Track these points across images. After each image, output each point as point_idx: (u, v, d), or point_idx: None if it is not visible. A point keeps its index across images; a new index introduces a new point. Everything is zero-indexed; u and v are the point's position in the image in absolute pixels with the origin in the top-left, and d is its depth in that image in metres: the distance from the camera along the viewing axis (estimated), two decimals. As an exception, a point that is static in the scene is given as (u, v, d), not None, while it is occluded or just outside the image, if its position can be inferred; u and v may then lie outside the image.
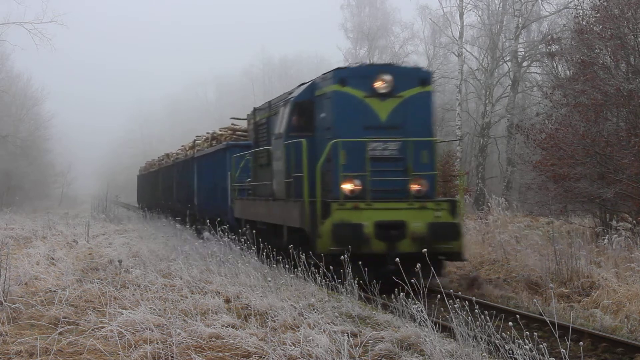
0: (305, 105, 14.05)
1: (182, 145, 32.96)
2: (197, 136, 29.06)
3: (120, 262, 12.38)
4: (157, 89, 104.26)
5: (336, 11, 64.58)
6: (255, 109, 17.93)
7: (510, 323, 6.51)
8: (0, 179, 47.94)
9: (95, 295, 9.95)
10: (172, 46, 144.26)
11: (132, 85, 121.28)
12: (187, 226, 25.09)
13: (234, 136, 22.50)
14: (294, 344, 7.10)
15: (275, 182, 14.96)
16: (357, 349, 6.95)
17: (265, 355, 6.92)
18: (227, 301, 9.85)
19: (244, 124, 22.52)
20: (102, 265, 13.38)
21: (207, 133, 27.03)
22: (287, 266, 11.83)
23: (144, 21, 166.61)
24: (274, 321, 8.47)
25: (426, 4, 43.20)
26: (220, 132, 24.00)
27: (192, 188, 26.77)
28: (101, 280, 11.09)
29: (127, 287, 10.59)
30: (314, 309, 9.08)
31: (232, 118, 25.20)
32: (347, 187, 12.81)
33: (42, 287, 10.68)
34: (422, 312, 7.20)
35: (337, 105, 13.20)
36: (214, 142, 24.07)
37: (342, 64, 43.47)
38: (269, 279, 10.37)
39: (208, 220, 22.14)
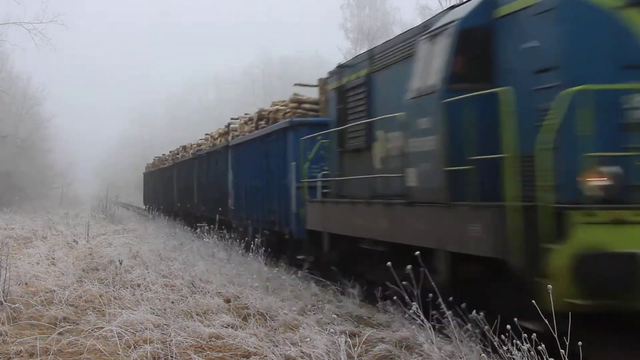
0: (478, 35, 8.11)
1: (207, 134, 26.90)
2: (232, 119, 22.83)
3: (120, 262, 12.38)
4: (157, 89, 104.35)
5: (336, 11, 64.60)
6: (340, 66, 12.13)
7: (508, 326, 6.48)
8: (0, 179, 47.97)
9: (95, 296, 9.97)
10: (172, 46, 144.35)
11: (132, 86, 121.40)
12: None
13: (299, 111, 15.87)
14: (293, 344, 7.11)
15: (415, 173, 8.61)
16: (356, 349, 6.96)
17: (265, 356, 6.94)
18: (227, 301, 9.87)
19: (310, 93, 16.91)
20: (102, 265, 13.40)
21: (246, 114, 21.04)
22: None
23: (143, 22, 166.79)
24: (274, 321, 8.49)
25: (426, 4, 43.26)
26: (272, 108, 17.40)
27: (225, 187, 20.88)
28: (101, 280, 11.12)
29: (127, 287, 10.61)
30: (313, 310, 9.11)
31: (296, 84, 18.96)
32: (596, 179, 6.77)
33: (42, 287, 10.70)
34: (420, 315, 7.18)
35: (568, 24, 7.14)
36: (263, 122, 17.88)
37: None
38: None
39: (245, 230, 17.69)
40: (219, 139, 23.64)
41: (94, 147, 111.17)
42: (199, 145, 27.44)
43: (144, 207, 46.99)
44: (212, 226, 16.81)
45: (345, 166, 11.60)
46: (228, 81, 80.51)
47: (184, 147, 31.28)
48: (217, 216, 18.97)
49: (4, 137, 45.61)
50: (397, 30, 47.65)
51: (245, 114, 21.48)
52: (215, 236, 15.73)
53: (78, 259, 14.61)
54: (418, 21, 52.30)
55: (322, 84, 14.53)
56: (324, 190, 12.64)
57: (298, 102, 16.33)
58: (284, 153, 15.10)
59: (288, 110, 16.28)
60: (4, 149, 47.83)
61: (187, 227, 22.35)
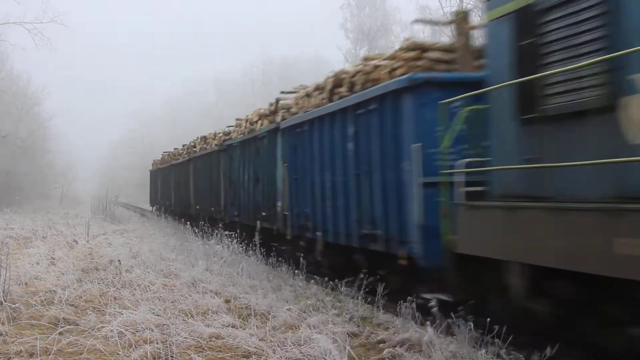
0: None
1: (238, 119, 21.18)
2: (282, 92, 17.06)
3: (120, 262, 12.37)
4: (157, 89, 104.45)
5: (336, 11, 64.66)
6: None
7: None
8: (0, 179, 47.97)
9: (95, 295, 9.96)
10: (172, 46, 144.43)
11: (132, 86, 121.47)
12: None
13: (419, 64, 9.95)
14: (294, 344, 7.09)
15: None
16: (358, 349, 6.95)
17: (265, 355, 6.92)
18: (227, 301, 9.86)
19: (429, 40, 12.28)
20: (102, 265, 13.38)
21: (300, 86, 15.93)
22: None
23: (144, 21, 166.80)
24: (274, 321, 8.47)
25: (426, 4, 43.21)
26: (362, 67, 11.59)
27: (272, 185, 15.68)
28: (101, 280, 11.10)
29: (127, 287, 10.60)
30: (314, 309, 9.09)
31: (415, 21, 13.38)
32: None
33: (42, 287, 10.67)
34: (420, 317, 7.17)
35: None
36: (343, 90, 12.17)
37: (342, 64, 43.58)
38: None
39: (310, 245, 13.18)
40: (259, 121, 17.65)
41: (94, 147, 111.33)
42: (226, 133, 22.25)
43: (151, 208, 43.15)
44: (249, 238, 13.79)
45: (538, 145, 6.77)
46: (228, 81, 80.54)
47: (204, 138, 26.25)
48: (259, 224, 14.93)
49: (4, 137, 45.63)
50: (398, 30, 47.77)
51: (300, 85, 16.06)
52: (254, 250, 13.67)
53: (78, 259, 14.58)
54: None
55: (461, 19, 9.98)
56: (467, 189, 7.56)
57: (420, 48, 9.93)
58: (397, 129, 9.66)
59: (399, 64, 10.16)
60: (4, 149, 47.84)
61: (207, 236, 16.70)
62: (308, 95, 14.11)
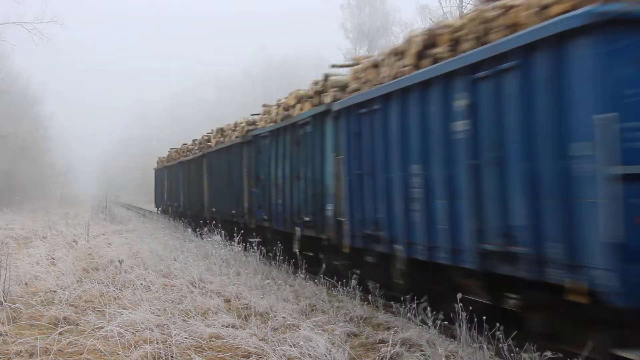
0: None
1: (266, 106, 17.48)
2: (333, 65, 13.52)
3: (120, 262, 12.36)
4: (157, 89, 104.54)
5: (336, 11, 64.70)
6: None
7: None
8: (0, 179, 48.00)
9: (95, 296, 9.96)
10: (172, 46, 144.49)
11: (132, 86, 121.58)
12: None
13: None
14: (294, 345, 7.09)
15: None
16: (358, 349, 6.95)
17: (265, 355, 6.92)
18: (227, 301, 9.86)
19: None
20: (102, 265, 13.37)
21: (353, 59, 13.29)
22: None
23: (144, 22, 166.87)
24: (274, 321, 8.47)
25: (426, 4, 43.12)
26: (471, 14, 8.17)
27: (319, 182, 12.65)
28: (101, 280, 11.09)
29: (127, 287, 10.60)
30: (314, 309, 9.09)
31: None
32: None
33: (42, 287, 10.68)
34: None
35: None
36: (442, 49, 8.58)
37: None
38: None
39: (381, 263, 10.21)
40: (297, 105, 14.35)
41: (94, 147, 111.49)
42: (249, 123, 18.96)
43: (155, 209, 40.36)
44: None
45: None
46: (228, 81, 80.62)
47: (220, 130, 22.82)
48: (298, 231, 12.70)
49: (4, 137, 45.64)
50: (397, 30, 47.68)
51: (360, 55, 12.73)
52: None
53: (78, 259, 14.57)
54: (418, 21, 52.43)
55: None
56: None
57: None
58: (560, 95, 6.37)
59: None
60: (4, 149, 47.85)
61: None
62: (375, 65, 10.52)
